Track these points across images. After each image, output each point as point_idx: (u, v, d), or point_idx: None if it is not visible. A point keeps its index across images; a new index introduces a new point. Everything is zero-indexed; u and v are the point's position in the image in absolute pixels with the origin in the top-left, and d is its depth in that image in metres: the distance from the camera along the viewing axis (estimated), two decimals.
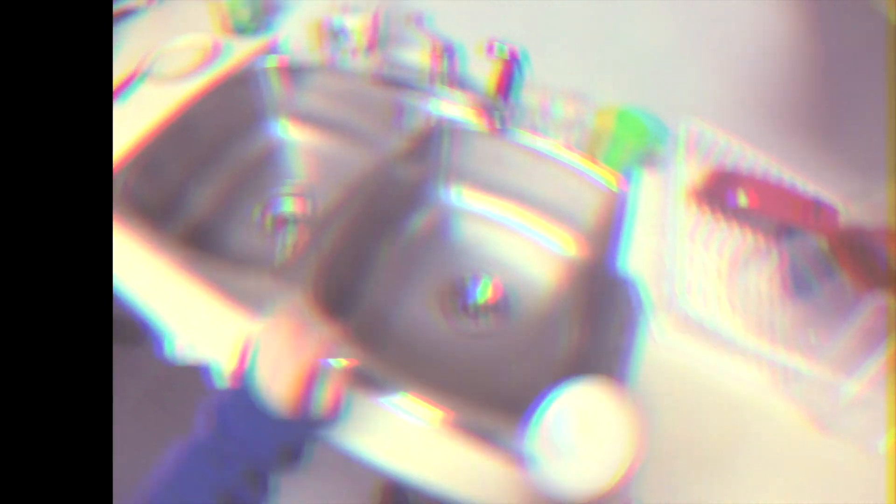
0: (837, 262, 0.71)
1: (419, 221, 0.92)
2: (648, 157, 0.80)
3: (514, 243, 0.92)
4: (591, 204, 0.85)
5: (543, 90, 0.82)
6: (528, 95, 0.86)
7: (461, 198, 0.95)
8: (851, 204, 0.79)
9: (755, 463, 0.60)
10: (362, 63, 0.89)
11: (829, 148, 0.80)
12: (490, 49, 0.79)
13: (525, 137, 0.85)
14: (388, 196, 0.84)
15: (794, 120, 0.80)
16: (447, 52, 0.82)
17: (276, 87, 0.94)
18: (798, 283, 0.74)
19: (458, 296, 0.85)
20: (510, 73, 0.81)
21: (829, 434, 0.62)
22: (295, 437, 0.48)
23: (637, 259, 0.74)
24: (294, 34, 0.90)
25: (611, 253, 0.77)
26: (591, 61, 0.84)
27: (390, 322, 0.81)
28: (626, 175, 0.82)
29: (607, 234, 0.80)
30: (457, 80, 0.85)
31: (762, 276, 0.77)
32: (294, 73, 0.92)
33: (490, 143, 0.86)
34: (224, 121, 0.91)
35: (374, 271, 0.85)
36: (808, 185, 0.80)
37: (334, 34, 0.87)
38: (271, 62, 0.91)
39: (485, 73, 0.85)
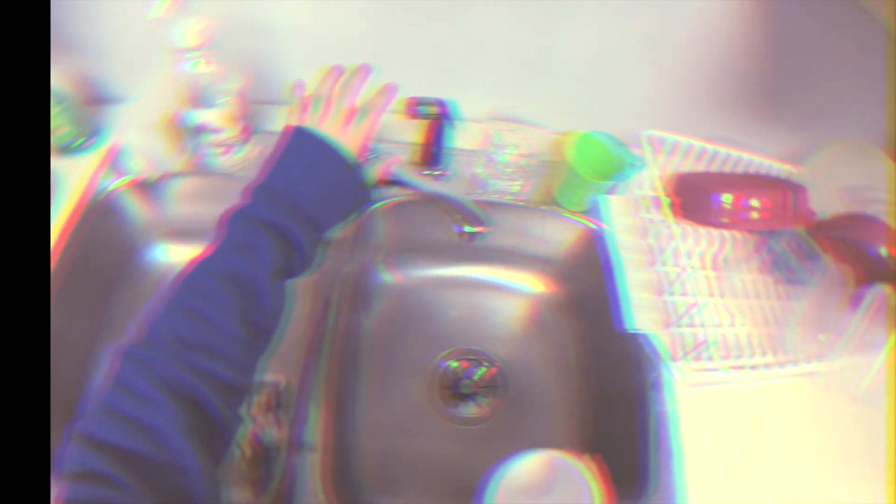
0: (819, 247, 0.70)
1: (377, 313, 0.79)
2: (618, 182, 0.71)
3: (489, 305, 0.82)
4: (567, 246, 0.77)
5: (483, 135, 0.69)
6: (466, 144, 0.73)
7: (413, 273, 0.82)
8: (803, 165, 0.78)
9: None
10: (239, 157, 0.70)
11: (775, 118, 0.77)
12: (412, 108, 0.63)
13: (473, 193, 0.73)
14: (339, 298, 0.70)
15: (737, 99, 0.75)
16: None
17: (138, 207, 0.71)
18: (785, 273, 0.73)
19: (447, 380, 0.76)
20: (440, 129, 0.67)
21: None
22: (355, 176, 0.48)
23: (637, 302, 0.68)
24: (137, 141, 0.67)
25: (607, 300, 0.70)
26: (524, 90, 0.71)
27: (392, 440, 0.71)
28: (595, 207, 0.74)
29: (595, 277, 0.73)
30: (372, 152, 0.69)
31: (751, 274, 0.75)
32: (155, 186, 0.70)
33: (428, 209, 0.73)
34: (95, 267, 0.69)
35: (353, 390, 0.73)
36: (768, 162, 0.78)
37: (193, 132, 0.66)
38: (122, 180, 0.69)
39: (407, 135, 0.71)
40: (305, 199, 0.44)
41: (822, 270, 0.68)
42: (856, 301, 0.65)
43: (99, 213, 0.67)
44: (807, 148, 0.78)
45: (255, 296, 0.40)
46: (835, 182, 0.70)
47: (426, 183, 0.62)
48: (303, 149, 0.46)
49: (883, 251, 0.60)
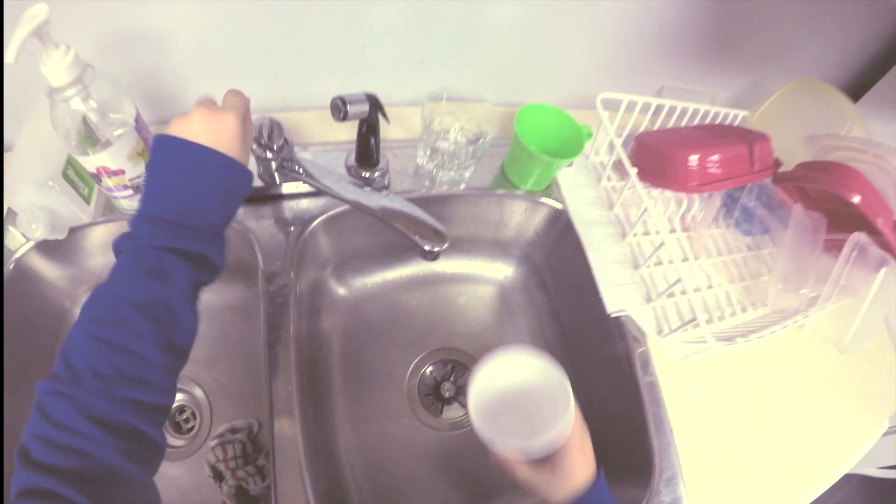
0: (787, 197, 0.67)
1: (339, 331, 0.74)
2: (574, 152, 0.66)
3: (455, 299, 0.78)
4: (529, 227, 0.72)
5: (423, 121, 0.62)
6: (405, 135, 0.66)
7: (368, 281, 0.77)
8: (759, 108, 0.74)
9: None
10: None
11: (724, 61, 0.71)
12: (339, 109, 0.55)
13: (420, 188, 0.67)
14: (295, 325, 0.65)
15: (683, 46, 0.69)
16: (272, 134, 0.58)
17: (54, 269, 0.64)
18: (757, 226, 0.70)
19: (426, 387, 0.73)
20: (374, 125, 0.59)
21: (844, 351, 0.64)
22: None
23: (613, 280, 0.64)
24: (31, 198, 0.58)
25: (578, 276, 0.66)
26: (460, 67, 0.64)
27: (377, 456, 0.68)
28: (553, 182, 0.69)
29: (562, 254, 0.69)
30: (299, 165, 0.61)
31: (721, 230, 0.71)
32: (66, 242, 0.62)
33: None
34: (26, 342, 0.62)
35: (326, 411, 0.69)
36: (724, 110, 0.73)
37: (92, 178, 0.57)
38: (28, 244, 0.60)
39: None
40: (196, 211, 0.42)
41: (795, 221, 0.65)
42: (830, 248, 0.63)
43: (14, 284, 0.60)
44: (760, 91, 0.73)
45: (176, 319, 0.40)
46: (793, 125, 0.66)
47: (375, 200, 0.56)
48: (173, 156, 0.43)
49: (856, 199, 0.56)
